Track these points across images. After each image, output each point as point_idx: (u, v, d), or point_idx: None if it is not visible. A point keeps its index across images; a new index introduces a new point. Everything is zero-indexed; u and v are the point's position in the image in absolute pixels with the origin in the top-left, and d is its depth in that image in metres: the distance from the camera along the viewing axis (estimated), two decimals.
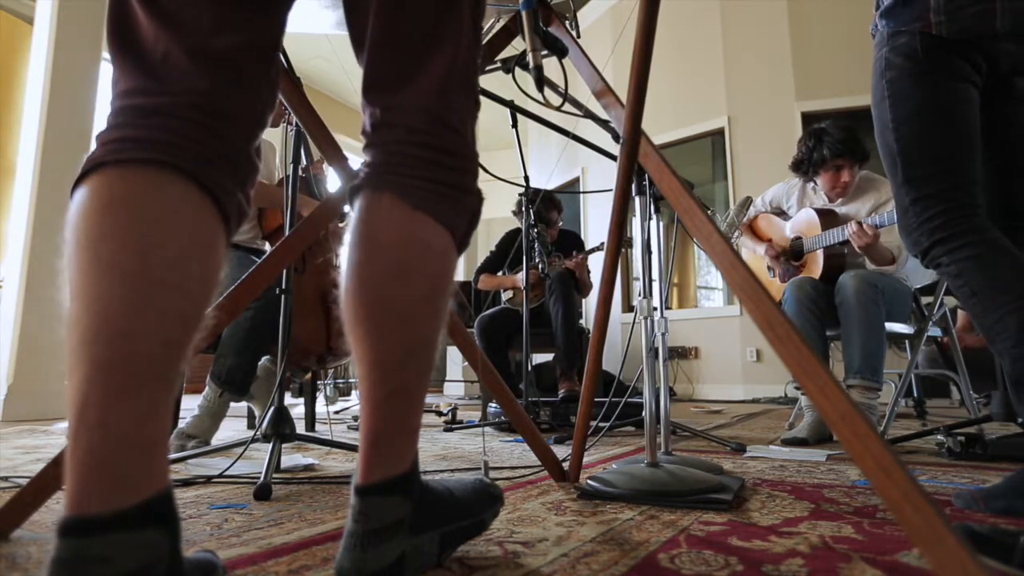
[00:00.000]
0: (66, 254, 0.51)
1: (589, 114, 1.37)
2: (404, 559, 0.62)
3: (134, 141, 0.55)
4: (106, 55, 0.62)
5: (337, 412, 3.31)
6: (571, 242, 3.27)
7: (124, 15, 0.58)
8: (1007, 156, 1.21)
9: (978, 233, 1.10)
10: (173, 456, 1.46)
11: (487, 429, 2.40)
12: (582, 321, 3.09)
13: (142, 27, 0.58)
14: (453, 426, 2.51)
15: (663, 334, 1.42)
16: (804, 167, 2.31)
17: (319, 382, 2.65)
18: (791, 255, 2.41)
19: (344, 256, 0.63)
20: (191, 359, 0.55)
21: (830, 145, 2.19)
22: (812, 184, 2.37)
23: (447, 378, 6.22)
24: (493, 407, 2.55)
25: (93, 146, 0.56)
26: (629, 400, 2.04)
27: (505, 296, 3.25)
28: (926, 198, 1.14)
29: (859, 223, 2.04)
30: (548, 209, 3.16)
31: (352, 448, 1.56)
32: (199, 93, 0.57)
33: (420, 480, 0.66)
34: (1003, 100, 1.20)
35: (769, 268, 2.53)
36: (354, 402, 3.72)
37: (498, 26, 1.27)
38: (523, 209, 2.56)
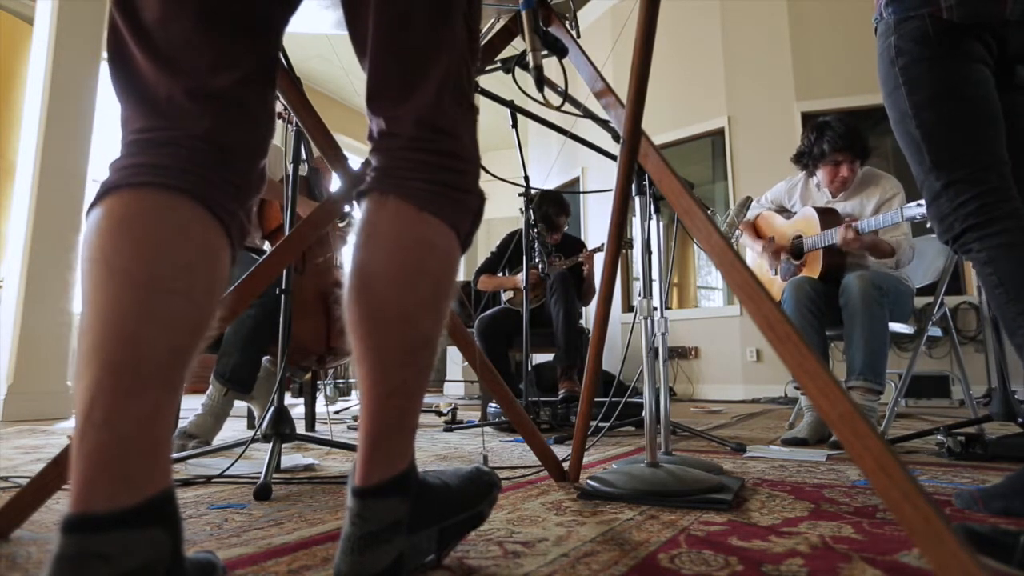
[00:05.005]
0: (80, 268, 0.54)
1: (589, 114, 1.37)
2: (402, 559, 0.62)
3: (145, 167, 0.58)
4: (107, 56, 0.64)
5: (337, 412, 3.31)
6: (573, 247, 3.27)
7: (123, 56, 0.61)
8: (1013, 145, 1.17)
9: (1014, 219, 1.06)
10: (173, 456, 1.45)
11: (487, 429, 2.40)
12: (582, 321, 3.09)
13: (142, 69, 0.60)
14: (453, 426, 2.51)
15: (663, 334, 1.42)
16: (805, 160, 2.33)
17: (319, 382, 2.65)
18: (792, 253, 2.41)
19: (349, 256, 0.64)
20: (194, 365, 0.56)
21: (830, 140, 2.20)
22: (815, 180, 2.38)
23: (447, 378, 6.22)
24: (493, 407, 2.55)
25: (107, 174, 0.59)
26: (629, 400, 2.04)
27: (505, 296, 3.25)
28: (958, 182, 1.10)
29: (846, 227, 2.07)
30: (557, 214, 3.16)
31: (352, 448, 1.56)
32: (203, 129, 0.60)
33: (417, 478, 0.66)
34: (1007, 89, 1.18)
35: (770, 266, 2.53)
36: (354, 402, 3.72)
37: (498, 26, 1.27)
38: (525, 209, 2.56)
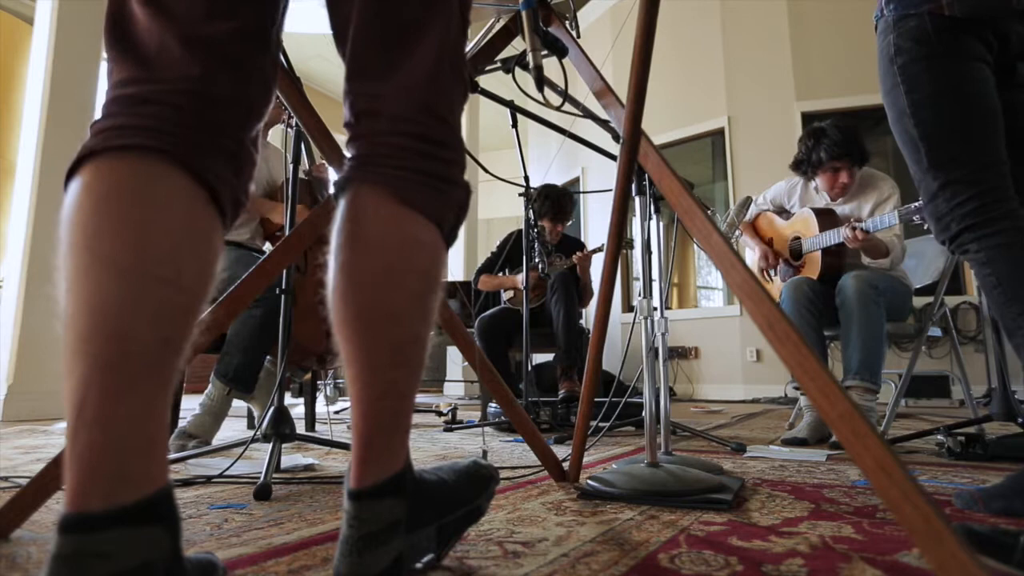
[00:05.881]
0: (61, 251, 0.51)
1: (589, 114, 1.37)
2: (401, 559, 0.62)
3: (126, 128, 0.55)
4: (105, 18, 0.63)
5: (337, 412, 3.31)
6: (573, 247, 3.27)
7: (121, 12, 0.59)
8: (1014, 144, 1.17)
9: (1011, 220, 1.06)
10: (173, 456, 1.46)
11: (487, 429, 2.40)
12: (582, 321, 3.09)
13: (138, 21, 0.58)
14: (453, 426, 2.51)
15: (663, 334, 1.42)
16: (803, 167, 2.31)
17: (319, 382, 2.65)
18: (790, 255, 2.41)
19: (331, 255, 0.61)
20: (190, 356, 0.54)
21: (827, 147, 2.18)
22: (814, 183, 2.37)
23: (447, 378, 6.22)
24: (493, 407, 2.55)
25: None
26: (629, 400, 2.04)
27: (505, 296, 3.26)
28: (955, 182, 1.10)
29: (852, 228, 2.05)
30: (566, 199, 3.15)
31: None
32: (190, 80, 0.57)
33: (413, 476, 0.66)
34: (1007, 87, 1.17)
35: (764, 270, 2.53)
36: None
37: (498, 26, 1.27)
38: (529, 206, 2.56)
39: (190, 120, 0.57)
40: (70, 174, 0.54)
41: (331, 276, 0.61)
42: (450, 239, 0.66)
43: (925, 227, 1.24)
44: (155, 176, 0.54)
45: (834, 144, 2.17)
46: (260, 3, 0.63)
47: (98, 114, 0.58)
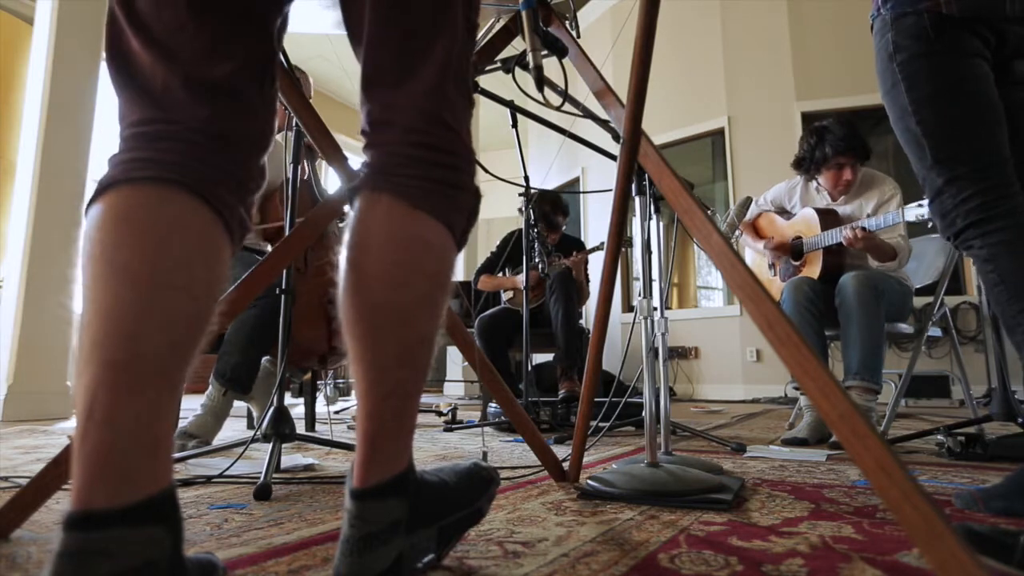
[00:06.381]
0: (80, 264, 0.54)
1: (589, 114, 1.37)
2: (402, 560, 0.62)
3: (143, 161, 0.58)
4: (105, 49, 0.65)
5: (337, 412, 3.31)
6: (572, 246, 3.27)
7: (120, 45, 0.61)
8: (1013, 140, 1.17)
9: (1014, 217, 1.06)
10: (174, 456, 1.45)
11: (487, 429, 2.40)
12: (582, 321, 3.09)
13: (139, 57, 0.60)
14: (453, 426, 2.51)
15: (663, 334, 1.42)
16: (806, 165, 2.30)
17: (319, 382, 2.65)
18: (791, 254, 2.41)
19: (342, 256, 0.63)
20: (196, 363, 0.56)
21: (832, 143, 2.18)
22: (815, 183, 2.37)
23: (447, 378, 6.22)
24: (493, 407, 2.55)
25: (106, 168, 0.59)
26: (629, 400, 2.04)
27: (505, 296, 3.26)
28: (960, 179, 1.10)
29: (852, 228, 2.05)
30: (555, 212, 3.15)
31: (352, 448, 1.56)
32: (201, 120, 0.60)
33: (416, 477, 0.66)
34: (1001, 84, 1.17)
35: (771, 266, 2.53)
36: (354, 402, 3.71)
37: (498, 26, 1.27)
38: (525, 209, 2.56)
39: (202, 155, 0.60)
40: (91, 202, 0.57)
41: (342, 275, 0.63)
42: (461, 243, 0.68)
43: (929, 225, 1.24)
44: (171, 199, 0.57)
45: (839, 139, 2.17)
46: (259, 35, 0.65)
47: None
